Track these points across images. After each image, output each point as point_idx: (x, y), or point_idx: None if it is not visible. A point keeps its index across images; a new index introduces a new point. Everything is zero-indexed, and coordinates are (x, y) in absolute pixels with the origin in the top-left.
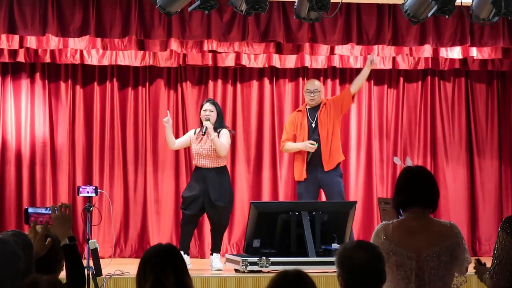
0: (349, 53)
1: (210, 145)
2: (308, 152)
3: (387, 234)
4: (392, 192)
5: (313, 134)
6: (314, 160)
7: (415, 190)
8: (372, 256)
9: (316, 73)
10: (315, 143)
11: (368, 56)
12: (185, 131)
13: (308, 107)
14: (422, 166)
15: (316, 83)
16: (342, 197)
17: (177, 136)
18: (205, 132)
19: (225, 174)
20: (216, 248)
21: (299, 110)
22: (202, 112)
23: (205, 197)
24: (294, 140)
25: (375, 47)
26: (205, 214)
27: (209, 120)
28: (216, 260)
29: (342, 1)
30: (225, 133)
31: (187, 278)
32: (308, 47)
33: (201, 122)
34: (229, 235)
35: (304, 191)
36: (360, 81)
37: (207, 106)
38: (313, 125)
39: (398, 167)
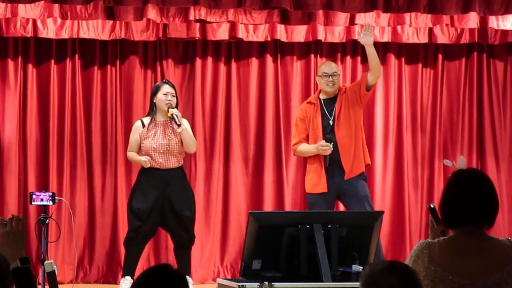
0: (373, 23)
1: (169, 139)
2: (325, 156)
3: (432, 256)
4: (439, 204)
5: (330, 134)
6: (333, 164)
7: (470, 206)
8: (407, 283)
9: (332, 49)
10: (329, 143)
11: (357, 35)
12: None
13: (322, 97)
14: (478, 170)
15: (333, 65)
16: (370, 202)
17: None
18: (179, 124)
19: (185, 175)
20: (187, 270)
21: (310, 102)
22: (161, 96)
23: (165, 206)
24: (308, 140)
25: (406, 15)
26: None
27: (175, 108)
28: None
29: None
30: (187, 124)
31: None
32: (321, 16)
33: (153, 109)
34: (221, 254)
35: (318, 200)
36: (372, 64)
37: (168, 88)
38: (331, 122)
39: (443, 168)
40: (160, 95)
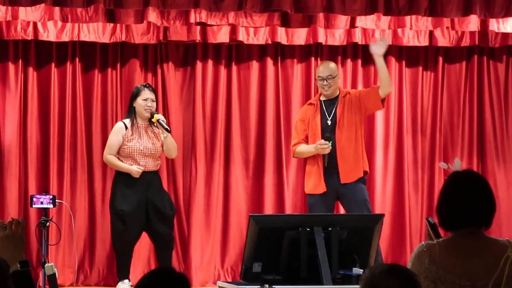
0: (374, 26)
1: (153, 143)
2: (324, 156)
3: (432, 257)
4: (436, 206)
5: (329, 133)
6: (330, 166)
7: (467, 207)
8: (407, 286)
9: (333, 52)
10: (328, 141)
11: (371, 41)
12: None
13: (322, 98)
14: (474, 172)
15: (331, 66)
16: (368, 206)
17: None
18: (167, 129)
19: (160, 178)
20: None
21: (310, 104)
22: (140, 101)
23: (149, 208)
24: (308, 142)
25: (406, 18)
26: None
27: (159, 113)
28: None
29: None
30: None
31: None
32: (322, 19)
33: (133, 113)
34: (222, 257)
35: (317, 202)
36: (382, 78)
37: (148, 94)
38: (329, 123)
39: (443, 171)
40: (139, 100)
